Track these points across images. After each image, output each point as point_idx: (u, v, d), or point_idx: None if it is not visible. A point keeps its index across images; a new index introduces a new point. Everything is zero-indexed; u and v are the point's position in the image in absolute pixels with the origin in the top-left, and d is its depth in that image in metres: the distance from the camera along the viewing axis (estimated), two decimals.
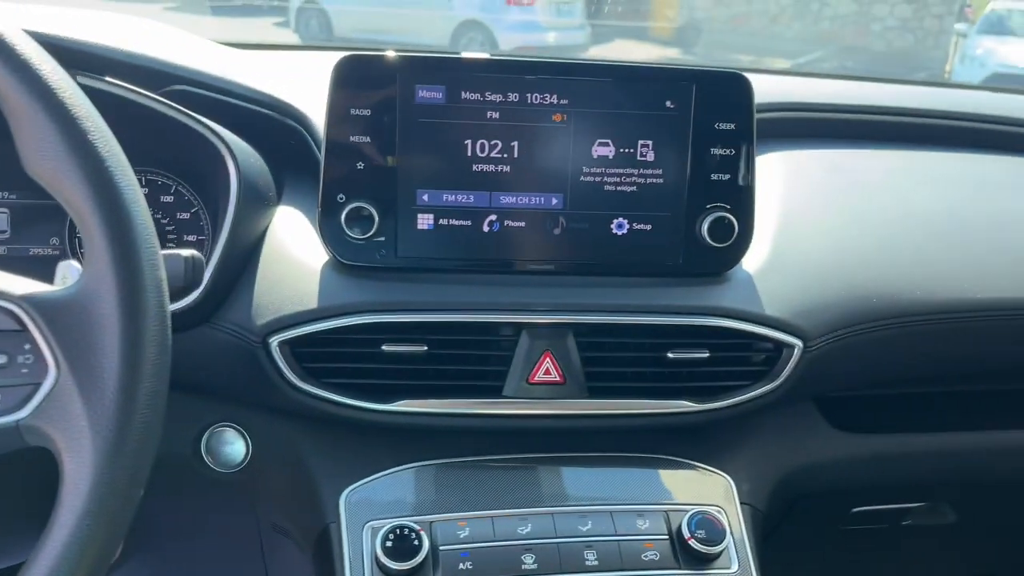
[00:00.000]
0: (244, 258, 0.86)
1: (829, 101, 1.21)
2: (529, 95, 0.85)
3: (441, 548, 0.80)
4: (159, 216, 0.95)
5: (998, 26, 8.22)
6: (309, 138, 0.93)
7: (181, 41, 1.03)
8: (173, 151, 0.92)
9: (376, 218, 0.84)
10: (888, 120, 1.20)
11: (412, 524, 0.80)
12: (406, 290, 0.84)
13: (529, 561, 0.80)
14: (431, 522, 0.82)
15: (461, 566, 0.79)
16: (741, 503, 0.89)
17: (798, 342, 0.88)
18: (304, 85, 0.97)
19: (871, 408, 1.05)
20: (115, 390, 0.53)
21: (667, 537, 0.83)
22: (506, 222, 0.86)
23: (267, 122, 0.95)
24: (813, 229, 0.97)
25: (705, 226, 0.87)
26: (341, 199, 0.84)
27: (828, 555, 1.21)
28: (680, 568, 0.81)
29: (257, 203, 0.88)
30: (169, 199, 0.96)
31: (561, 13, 8.11)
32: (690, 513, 0.83)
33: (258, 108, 0.94)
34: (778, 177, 1.05)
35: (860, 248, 0.96)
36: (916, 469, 1.06)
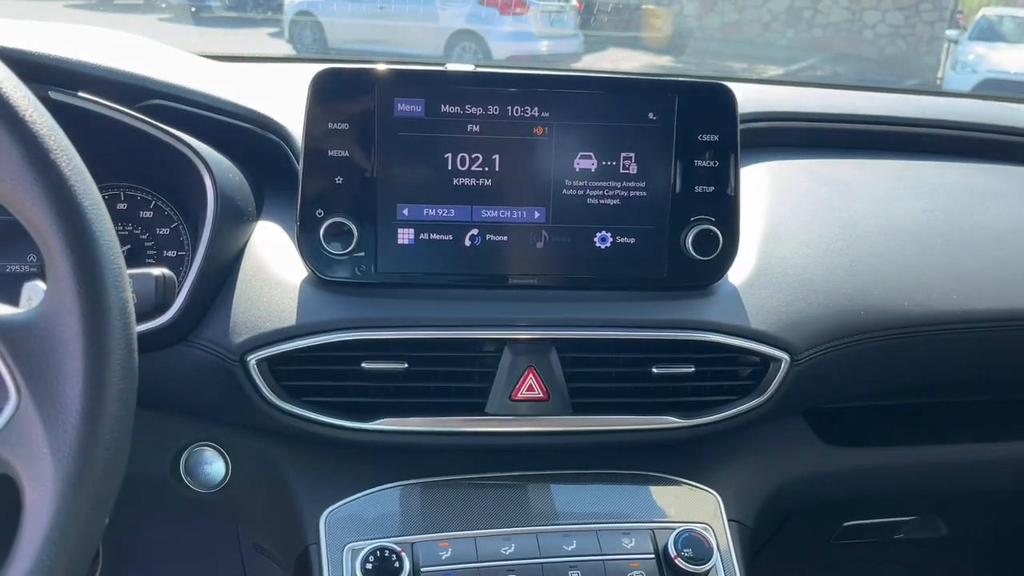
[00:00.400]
0: (222, 274, 0.85)
1: (815, 110, 1.20)
2: (510, 108, 0.84)
3: (423, 570, 0.78)
4: (138, 232, 0.94)
5: (989, 32, 8.26)
6: (289, 152, 0.92)
7: (160, 54, 1.02)
8: (152, 166, 0.91)
9: (355, 233, 0.82)
10: (875, 129, 1.19)
11: (393, 545, 0.78)
12: (386, 306, 0.83)
13: None
14: (412, 543, 0.81)
15: None
16: (729, 520, 0.87)
17: (785, 356, 0.86)
18: (286, 98, 0.96)
19: (861, 421, 1.04)
20: (78, 416, 0.51)
21: (653, 556, 0.81)
22: (488, 236, 0.85)
23: (247, 136, 0.94)
24: (799, 241, 0.96)
25: (690, 239, 0.86)
26: (319, 214, 0.83)
27: (819, 571, 1.19)
28: None
29: (235, 219, 0.87)
30: (149, 214, 0.95)
31: (554, 23, 8.12)
32: (677, 531, 0.81)
33: (237, 122, 0.93)
34: (763, 188, 1.04)
35: (847, 259, 0.95)
36: (908, 482, 1.04)
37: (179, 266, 0.92)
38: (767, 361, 0.87)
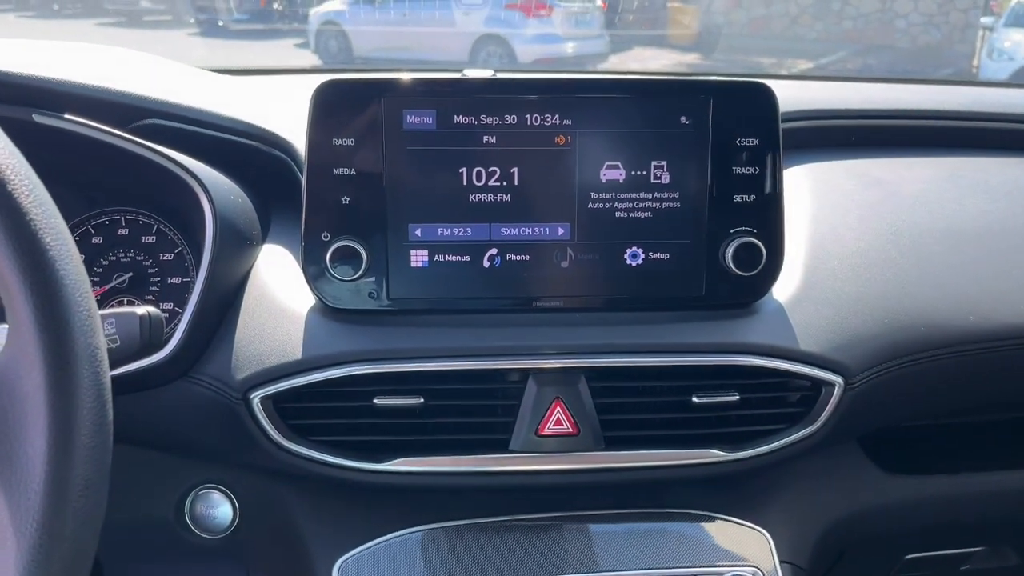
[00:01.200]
0: (224, 304, 0.79)
1: (856, 107, 1.11)
2: (528, 116, 0.77)
3: None
4: (141, 258, 0.89)
5: None
6: (296, 170, 0.86)
7: (160, 71, 0.97)
8: (152, 189, 0.85)
9: (365, 257, 0.76)
10: (923, 124, 1.10)
11: None
12: (399, 336, 0.76)
13: None
14: None
15: None
16: (781, 561, 0.79)
17: (838, 379, 0.78)
18: (295, 112, 0.90)
19: (921, 445, 0.96)
20: (41, 483, 0.45)
21: None
22: (508, 256, 0.78)
23: (251, 154, 0.88)
24: (848, 250, 0.88)
25: (729, 253, 0.78)
26: (326, 237, 0.77)
27: None
28: None
29: (237, 244, 0.81)
30: (151, 239, 0.89)
31: (579, 23, 8.06)
32: None
33: (240, 139, 0.87)
34: (805, 193, 0.96)
35: (902, 269, 0.87)
36: (975, 510, 0.96)
37: (184, 293, 0.87)
38: (819, 385, 0.79)
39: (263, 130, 0.88)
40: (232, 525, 0.84)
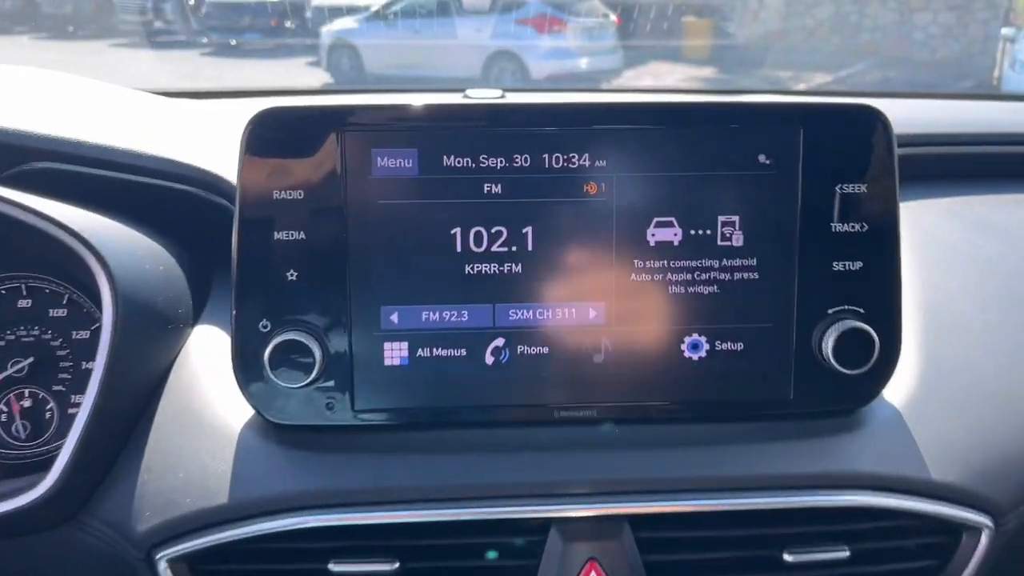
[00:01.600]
0: (129, 416, 0.57)
1: (943, 130, 0.89)
2: (547, 156, 0.55)
3: None
4: (48, 337, 0.67)
5: None
6: None
7: (74, 99, 0.76)
8: (57, 251, 0.64)
9: (318, 355, 0.54)
10: None
11: None
12: (366, 468, 0.54)
13: None
14: None
15: None
16: None
17: (985, 520, 0.56)
18: None
19: None
20: None
21: None
22: (520, 349, 0.56)
23: (185, 203, 0.67)
24: (975, 326, 0.66)
25: (829, 342, 0.56)
26: (264, 327, 0.55)
27: None
28: None
29: (152, 330, 0.59)
30: (61, 312, 0.68)
31: (593, 37, 7.93)
32: None
33: (168, 183, 0.66)
34: (907, 246, 0.73)
35: None
36: None
37: None
38: (958, 530, 0.56)
39: (197, 170, 0.67)
40: None
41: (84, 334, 0.68)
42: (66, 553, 0.55)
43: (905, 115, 0.94)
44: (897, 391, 0.60)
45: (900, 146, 0.85)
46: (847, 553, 0.54)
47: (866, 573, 0.56)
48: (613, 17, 8.05)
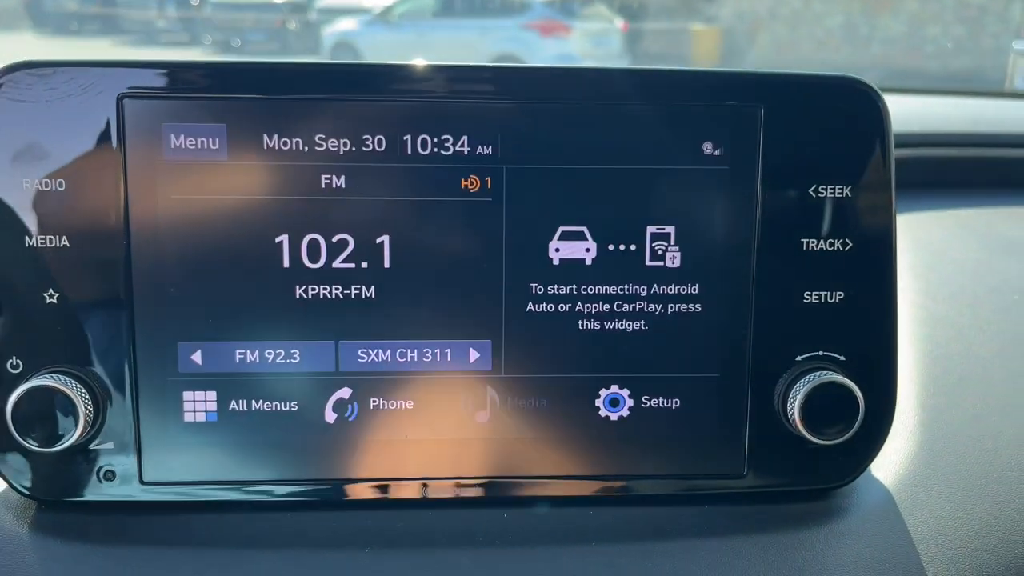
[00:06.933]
0: None
1: (963, 129, 0.75)
2: (409, 138, 0.40)
3: None
4: None
5: None
6: None
7: None
8: None
9: (83, 406, 0.39)
10: None
11: None
12: (150, 565, 0.39)
13: None
14: None
15: None
16: None
17: None
18: None
19: None
20: None
21: None
22: (373, 402, 0.41)
23: None
24: (1000, 378, 0.50)
25: (797, 401, 0.41)
26: (14, 368, 0.40)
27: None
28: None
29: None
30: None
31: (598, 44, 7.85)
32: None
33: None
34: (906, 270, 0.58)
35: None
36: None
37: None
38: None
39: None
40: None
41: None
42: None
43: (911, 112, 0.79)
44: (888, 467, 0.45)
45: (904, 146, 0.71)
46: None
47: None
48: (619, 23, 7.95)
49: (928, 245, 0.65)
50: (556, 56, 7.47)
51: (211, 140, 0.39)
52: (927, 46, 9.97)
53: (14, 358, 0.40)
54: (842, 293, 0.42)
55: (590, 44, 7.78)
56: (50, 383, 0.39)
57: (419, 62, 0.40)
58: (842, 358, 0.42)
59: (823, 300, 0.42)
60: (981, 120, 0.80)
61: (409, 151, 0.40)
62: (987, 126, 0.77)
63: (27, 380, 0.39)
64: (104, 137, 0.39)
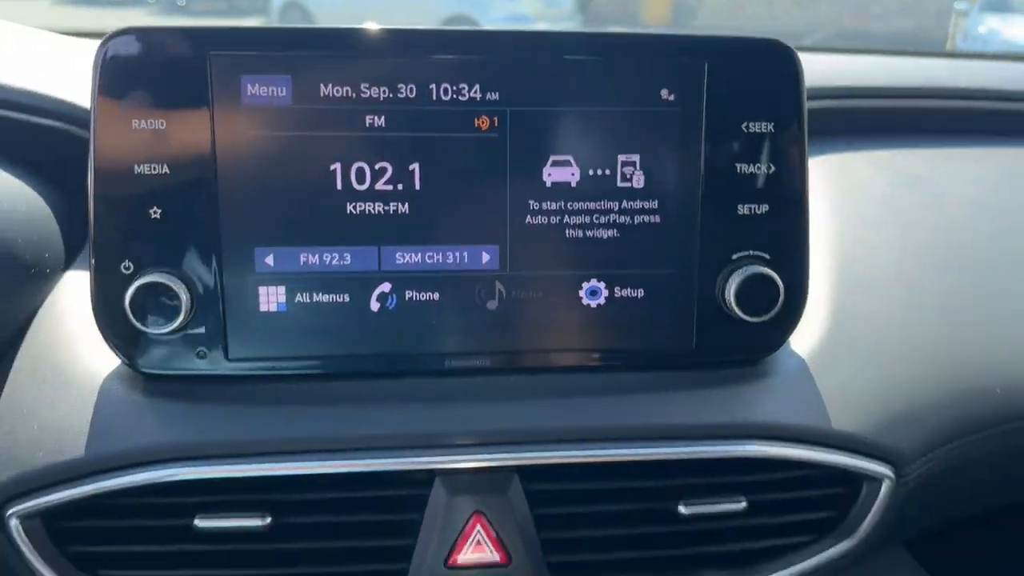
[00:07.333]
0: None
1: (884, 83, 0.87)
2: (434, 87, 0.51)
3: None
4: None
5: (1000, 4, 7.87)
6: None
7: None
8: None
9: (185, 299, 0.50)
10: (968, 107, 0.86)
11: None
12: (237, 420, 0.50)
13: None
14: None
15: None
16: None
17: (887, 470, 0.54)
18: None
19: (985, 543, 0.72)
20: None
21: None
22: (408, 294, 0.53)
23: (53, 138, 0.62)
24: (890, 279, 0.64)
25: (732, 287, 0.54)
26: (127, 269, 0.51)
27: None
28: None
29: (6, 279, 0.55)
30: None
31: (549, 4, 7.84)
32: None
33: (31, 118, 0.61)
34: (822, 197, 0.71)
35: (965, 307, 0.63)
36: None
37: None
38: (859, 480, 0.54)
39: (57, 102, 0.62)
40: None
41: None
42: None
43: (838, 68, 0.92)
44: (803, 341, 0.58)
45: (830, 98, 0.84)
46: (744, 504, 0.52)
47: (763, 525, 0.54)
48: None
49: (846, 180, 0.77)
50: (509, 16, 7.47)
51: (279, 88, 0.50)
52: (873, 7, 10.16)
53: (126, 262, 0.51)
54: (767, 206, 0.55)
55: (542, 4, 7.78)
56: (159, 279, 0.50)
57: (442, 27, 0.52)
58: (767, 256, 0.55)
59: (752, 212, 0.54)
60: (900, 75, 0.92)
61: (434, 97, 0.51)
62: (903, 81, 0.90)
63: (139, 278, 0.50)
64: (196, 86, 0.49)
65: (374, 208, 0.52)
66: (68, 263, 0.61)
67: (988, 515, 0.67)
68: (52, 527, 0.49)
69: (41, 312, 0.56)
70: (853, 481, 0.55)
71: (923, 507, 0.58)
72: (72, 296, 0.58)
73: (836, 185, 0.74)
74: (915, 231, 0.70)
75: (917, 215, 0.72)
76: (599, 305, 0.55)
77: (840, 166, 0.78)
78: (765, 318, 0.54)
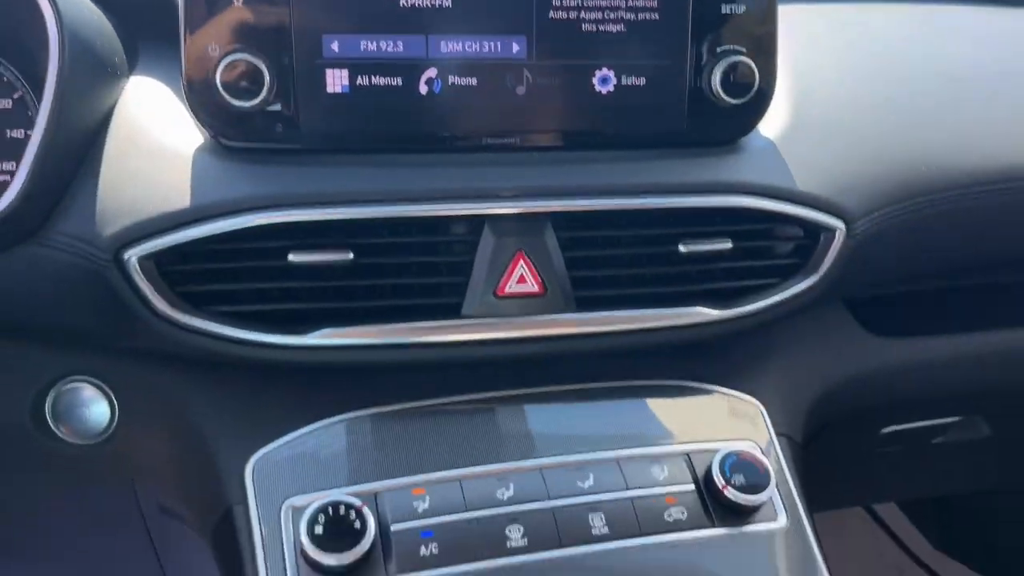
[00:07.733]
0: (80, 145, 0.61)
1: None
2: None
3: (393, 528, 0.58)
4: None
5: None
6: None
7: None
8: None
9: (267, 76, 0.59)
10: None
11: (350, 499, 0.57)
12: (319, 176, 0.60)
13: (516, 535, 0.59)
14: (376, 493, 0.60)
15: (424, 551, 0.57)
16: (777, 434, 0.69)
17: (840, 224, 0.67)
18: None
19: (908, 307, 0.87)
20: None
21: (693, 487, 0.62)
22: (451, 79, 0.63)
23: None
24: (837, 90, 0.76)
25: (717, 76, 0.65)
26: (213, 50, 0.59)
27: (855, 486, 1.03)
28: (714, 526, 0.61)
29: (94, 70, 0.62)
30: None
31: None
32: (721, 454, 0.63)
33: None
34: (782, 34, 0.83)
35: (897, 107, 0.76)
36: (956, 376, 0.88)
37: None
38: (817, 231, 0.67)
39: None
40: (110, 427, 0.67)
41: (6, 103, 0.69)
42: (29, 269, 0.59)
43: None
44: (769, 128, 0.70)
45: None
46: (729, 244, 0.65)
47: (744, 266, 0.67)
48: None
49: (795, 24, 0.89)
50: None
51: None
52: None
53: (212, 43, 0.59)
54: (744, 7, 0.66)
55: None
56: (244, 56, 0.58)
57: None
58: (744, 49, 0.66)
59: (732, 12, 0.66)
60: None
61: None
62: None
63: (225, 57, 0.58)
64: None
65: (423, 1, 0.61)
66: (130, 71, 0.68)
67: (916, 278, 0.81)
68: (164, 269, 0.58)
69: (120, 104, 0.64)
70: (813, 232, 0.68)
71: (866, 263, 0.72)
72: (141, 95, 0.65)
73: (783, 26, 0.86)
74: (852, 57, 0.82)
75: (853, 46, 0.84)
76: (608, 92, 0.65)
77: (783, 14, 0.90)
78: (744, 99, 0.66)
